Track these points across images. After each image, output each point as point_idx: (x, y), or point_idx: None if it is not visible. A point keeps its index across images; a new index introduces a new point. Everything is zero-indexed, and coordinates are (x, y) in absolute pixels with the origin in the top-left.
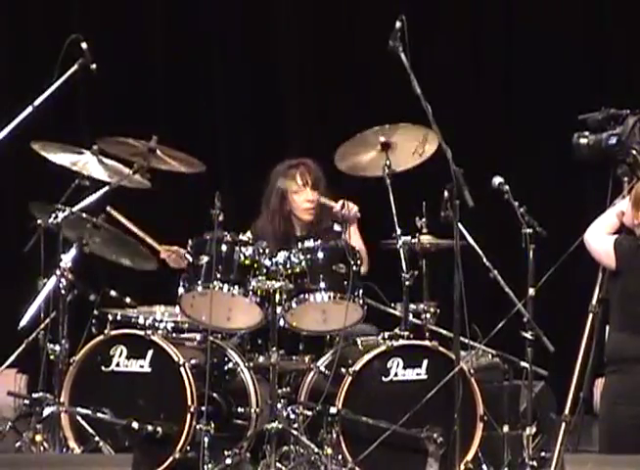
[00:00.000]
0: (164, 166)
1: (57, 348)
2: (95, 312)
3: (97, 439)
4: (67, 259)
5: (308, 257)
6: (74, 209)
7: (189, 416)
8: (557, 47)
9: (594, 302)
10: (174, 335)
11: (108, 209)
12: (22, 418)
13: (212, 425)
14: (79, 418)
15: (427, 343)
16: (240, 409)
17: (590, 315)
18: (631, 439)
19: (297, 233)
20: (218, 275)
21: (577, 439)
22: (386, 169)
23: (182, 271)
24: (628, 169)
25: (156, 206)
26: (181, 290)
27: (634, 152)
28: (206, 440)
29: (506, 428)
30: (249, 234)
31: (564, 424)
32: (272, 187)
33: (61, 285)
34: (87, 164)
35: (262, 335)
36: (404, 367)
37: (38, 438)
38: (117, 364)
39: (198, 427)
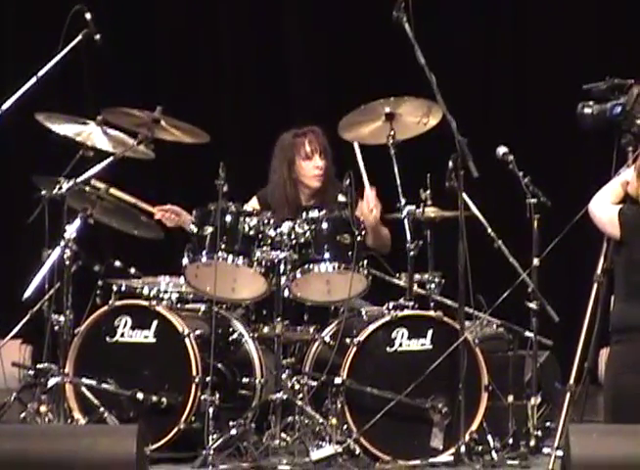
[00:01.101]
0: (169, 137)
1: (61, 318)
2: (99, 283)
3: (102, 409)
4: (71, 230)
5: (313, 227)
6: (79, 179)
7: (194, 387)
8: (562, 17)
9: (599, 271)
10: (179, 305)
11: (92, 182)
12: (26, 389)
13: (217, 395)
14: (84, 389)
15: (431, 313)
16: (244, 380)
17: (595, 285)
18: (636, 408)
19: (304, 202)
20: (223, 246)
21: (582, 408)
22: (390, 139)
23: (186, 241)
24: (633, 139)
25: (160, 176)
26: (185, 260)
27: (638, 121)
28: (211, 410)
29: (511, 398)
30: (254, 203)
31: (568, 394)
32: (279, 155)
33: (65, 256)
34: (91, 134)
35: (267, 305)
36: (409, 337)
37: (43, 408)
38: (122, 335)
39: (202, 397)
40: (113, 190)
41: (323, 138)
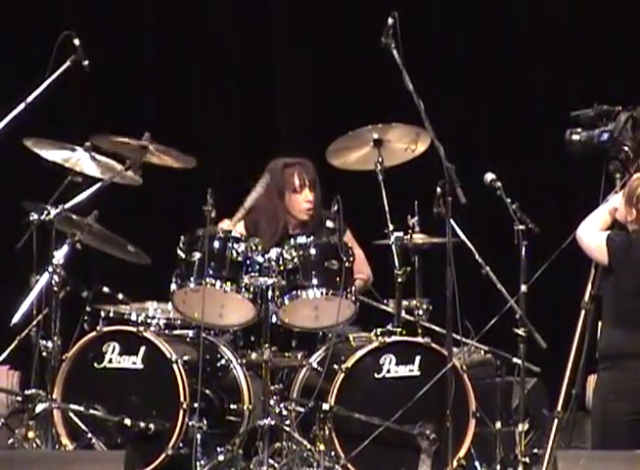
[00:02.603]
0: (157, 162)
1: (49, 344)
2: (87, 309)
3: (89, 435)
4: (59, 256)
5: (301, 253)
6: (66, 206)
7: (181, 413)
8: (550, 44)
9: (586, 298)
10: (167, 331)
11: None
12: (14, 415)
13: (205, 422)
14: (72, 415)
15: (419, 339)
16: (232, 406)
17: (583, 312)
18: (624, 435)
19: (291, 230)
20: (210, 271)
21: (570, 435)
22: (378, 165)
23: (174, 266)
24: (620, 165)
25: (148, 202)
26: (173, 286)
27: (626, 148)
28: (199, 436)
29: (498, 424)
30: (240, 227)
31: (556, 420)
32: (268, 184)
33: (53, 281)
34: (79, 160)
35: (255, 331)
36: (397, 364)
37: (31, 434)
38: (110, 361)
39: (190, 423)
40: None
41: (312, 170)
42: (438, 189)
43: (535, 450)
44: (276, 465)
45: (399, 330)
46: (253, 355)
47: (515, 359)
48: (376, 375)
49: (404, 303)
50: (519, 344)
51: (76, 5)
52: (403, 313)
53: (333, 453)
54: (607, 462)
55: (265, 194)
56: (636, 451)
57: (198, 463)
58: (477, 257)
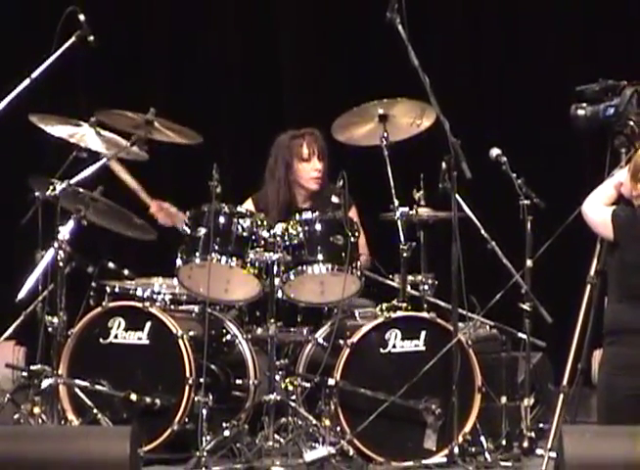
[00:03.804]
0: (162, 138)
1: (55, 320)
2: (93, 284)
3: (95, 411)
4: (64, 232)
5: (306, 228)
6: (72, 181)
7: (187, 388)
8: (556, 18)
9: (592, 273)
10: (172, 307)
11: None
12: (20, 390)
13: (210, 397)
14: (77, 390)
15: (425, 314)
16: (238, 381)
17: (588, 286)
18: (629, 410)
19: (299, 204)
20: (216, 247)
21: (575, 410)
22: (383, 140)
23: (179, 242)
24: (626, 140)
25: (153, 178)
26: (179, 262)
27: (631, 123)
28: (205, 411)
29: (504, 399)
30: (249, 205)
31: (562, 395)
32: (276, 156)
33: (58, 257)
34: (85, 136)
35: (260, 307)
36: (402, 339)
37: (36, 410)
38: (115, 336)
39: (196, 399)
40: (121, 171)
41: (321, 140)
42: (444, 164)
43: (541, 425)
44: (282, 440)
45: (405, 305)
46: (259, 331)
47: (520, 334)
48: (381, 350)
49: (410, 278)
50: (524, 318)
51: None
52: (409, 288)
53: (338, 429)
54: (612, 437)
55: (273, 167)
56: None
57: (203, 438)
58: (482, 231)
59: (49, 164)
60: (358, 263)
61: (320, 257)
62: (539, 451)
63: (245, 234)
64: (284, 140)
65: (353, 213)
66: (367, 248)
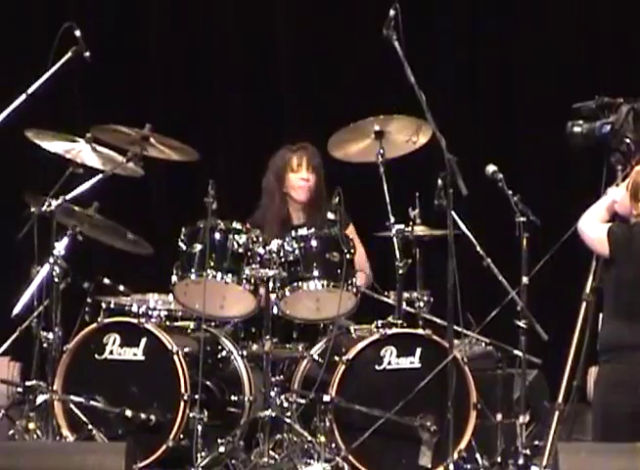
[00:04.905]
0: (158, 155)
1: (50, 335)
2: (88, 300)
3: (90, 427)
4: (60, 247)
5: (302, 245)
6: (68, 197)
7: (182, 404)
8: (553, 36)
9: (587, 290)
10: (168, 323)
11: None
12: (15, 406)
13: (206, 413)
14: (72, 406)
15: (420, 331)
16: (233, 397)
17: (584, 303)
18: (624, 427)
19: (295, 220)
20: (212, 263)
21: (571, 427)
22: (379, 157)
23: (175, 258)
24: (622, 157)
25: (149, 194)
26: (174, 278)
27: (627, 140)
28: (200, 428)
29: (499, 416)
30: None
31: (557, 412)
32: (270, 170)
33: (54, 273)
34: (81, 152)
35: (256, 323)
36: (398, 356)
37: (31, 426)
38: (111, 352)
39: (191, 415)
40: None
41: (313, 154)
42: (440, 181)
43: (536, 442)
44: (277, 457)
45: (400, 322)
46: (254, 347)
47: (516, 351)
48: (377, 367)
49: (405, 294)
50: (520, 336)
51: None
52: (404, 305)
53: (333, 445)
54: (607, 454)
55: (267, 180)
56: (637, 444)
57: (198, 454)
58: (478, 248)
59: (45, 180)
60: (354, 280)
61: (316, 273)
62: (535, 469)
63: (240, 250)
64: (279, 154)
65: (351, 232)
66: (368, 267)
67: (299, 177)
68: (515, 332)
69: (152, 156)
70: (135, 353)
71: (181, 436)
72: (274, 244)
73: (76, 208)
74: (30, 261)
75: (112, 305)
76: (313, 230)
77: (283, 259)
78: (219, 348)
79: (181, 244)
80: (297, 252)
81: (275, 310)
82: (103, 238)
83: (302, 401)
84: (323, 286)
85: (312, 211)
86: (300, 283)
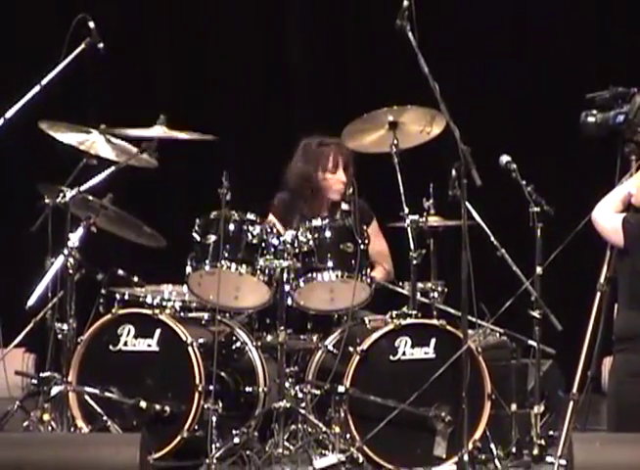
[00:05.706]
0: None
1: (64, 327)
2: (103, 291)
3: (105, 418)
4: (74, 239)
5: (316, 235)
6: (82, 188)
7: (197, 395)
8: (566, 26)
9: (602, 280)
10: (182, 314)
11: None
12: (29, 397)
13: (220, 404)
14: (87, 397)
15: (434, 321)
16: (248, 388)
17: (598, 294)
18: (639, 417)
19: (323, 213)
20: (226, 254)
21: (585, 417)
22: (393, 148)
23: (189, 249)
24: (636, 147)
25: (163, 185)
26: (189, 269)
27: None
28: (214, 419)
29: (514, 407)
30: (270, 217)
31: (572, 402)
32: (301, 162)
33: (68, 264)
34: (95, 143)
35: (270, 314)
36: (412, 346)
37: (46, 417)
38: (125, 343)
39: (205, 406)
40: None
41: (347, 152)
42: (454, 172)
43: (551, 433)
44: (291, 448)
45: (415, 312)
46: (269, 338)
47: (530, 342)
48: (391, 357)
49: (419, 285)
50: (534, 326)
51: None
52: (418, 296)
53: (348, 436)
54: (622, 444)
55: (297, 172)
56: None
57: (213, 445)
58: (492, 239)
59: (59, 171)
60: (368, 271)
61: (330, 264)
62: (549, 459)
63: (254, 241)
64: (310, 146)
65: (374, 228)
66: (390, 262)
67: (337, 179)
68: (529, 322)
69: (170, 139)
70: (149, 345)
71: (196, 427)
72: (288, 235)
73: (90, 198)
74: (45, 253)
75: (126, 297)
76: (327, 221)
77: (297, 250)
78: (234, 339)
79: (195, 235)
80: (311, 242)
81: (289, 301)
82: (117, 230)
83: (317, 392)
84: (337, 277)
85: (336, 203)
86: (314, 274)
